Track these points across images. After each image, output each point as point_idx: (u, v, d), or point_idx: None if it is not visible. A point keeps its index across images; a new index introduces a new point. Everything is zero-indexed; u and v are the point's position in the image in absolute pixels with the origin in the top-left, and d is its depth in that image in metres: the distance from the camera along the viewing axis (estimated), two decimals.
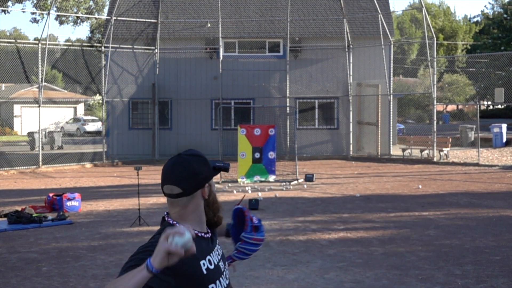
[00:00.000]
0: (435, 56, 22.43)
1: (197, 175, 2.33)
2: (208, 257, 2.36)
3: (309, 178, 16.67)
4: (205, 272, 2.30)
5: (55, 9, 35.14)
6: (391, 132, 23.63)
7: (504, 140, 26.19)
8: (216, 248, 2.47)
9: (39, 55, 20.87)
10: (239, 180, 16.44)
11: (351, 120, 23.97)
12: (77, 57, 24.25)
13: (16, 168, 20.67)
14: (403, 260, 8.02)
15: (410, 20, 60.83)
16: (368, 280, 7.13)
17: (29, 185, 16.87)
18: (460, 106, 55.00)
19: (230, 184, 16.08)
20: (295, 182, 16.42)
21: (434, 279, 7.12)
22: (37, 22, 37.58)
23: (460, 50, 59.22)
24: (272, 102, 24.07)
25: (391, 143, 23.43)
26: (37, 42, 21.35)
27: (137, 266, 2.07)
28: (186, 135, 24.28)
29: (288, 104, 23.82)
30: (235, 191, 14.74)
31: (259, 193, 14.31)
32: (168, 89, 24.27)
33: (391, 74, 24.01)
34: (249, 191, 14.73)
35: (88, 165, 22.35)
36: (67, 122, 46.09)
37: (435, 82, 22.29)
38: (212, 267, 2.35)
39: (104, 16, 33.76)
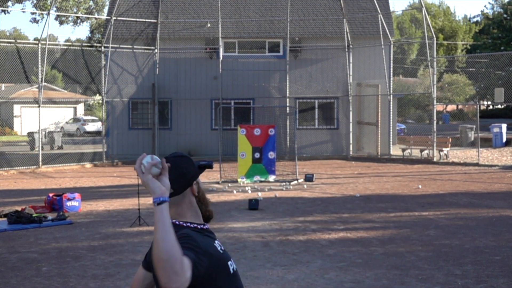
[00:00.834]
0: (435, 56, 22.43)
1: (185, 174, 2.51)
2: (216, 241, 2.58)
3: (309, 178, 16.67)
4: (221, 252, 2.53)
5: (55, 9, 35.14)
6: (391, 132, 23.63)
7: (504, 140, 26.19)
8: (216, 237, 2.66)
9: (39, 55, 20.87)
10: (239, 180, 16.44)
11: (351, 120, 23.97)
12: (77, 57, 24.25)
13: (16, 168, 20.67)
14: (403, 260, 8.02)
15: (410, 20, 60.83)
16: (368, 280, 7.13)
17: (29, 185, 16.87)
18: (460, 106, 55.00)
19: (230, 184, 16.08)
20: (295, 182, 16.42)
21: (434, 279, 7.12)
22: (37, 22, 37.57)
23: (460, 50, 59.23)
24: (272, 102, 24.08)
25: (391, 143, 23.43)
26: (37, 42, 21.35)
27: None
28: (186, 135, 24.28)
29: (288, 104, 23.82)
30: (235, 191, 14.73)
31: (259, 193, 14.31)
32: (168, 89, 24.27)
33: (391, 74, 24.01)
34: (249, 191, 14.73)
35: (88, 165, 22.35)
36: (67, 122, 46.09)
37: (435, 82, 22.30)
38: (223, 248, 2.58)
39: (104, 16, 33.76)
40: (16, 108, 46.31)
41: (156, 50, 24.17)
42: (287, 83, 24.13)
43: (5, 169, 20.34)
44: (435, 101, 22.19)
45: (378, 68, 23.71)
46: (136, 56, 24.27)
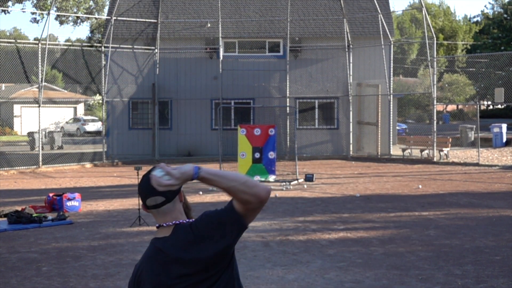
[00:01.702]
0: (435, 56, 22.43)
1: None
2: None
3: (309, 178, 16.67)
4: None
5: (55, 9, 35.15)
6: (391, 132, 23.63)
7: (504, 140, 26.19)
8: None
9: (39, 55, 20.87)
10: None
11: (351, 120, 23.97)
12: (77, 57, 24.26)
13: (16, 168, 20.67)
14: (403, 260, 8.02)
15: (410, 20, 60.81)
16: (368, 280, 7.13)
17: (29, 185, 16.87)
18: (460, 106, 55.00)
19: None
20: (295, 182, 16.42)
21: (434, 279, 7.12)
22: (37, 22, 37.59)
23: (460, 50, 59.21)
24: (272, 102, 24.07)
25: (391, 143, 23.43)
26: (37, 42, 21.35)
27: None
28: (186, 135, 24.29)
29: (288, 104, 23.82)
30: None
31: None
32: (168, 89, 24.27)
33: (391, 74, 24.01)
34: None
35: (88, 165, 22.35)
36: (67, 122, 46.09)
37: (435, 82, 22.29)
38: None
39: (104, 16, 33.75)
40: (16, 108, 46.31)
41: (156, 50, 24.17)
42: (287, 83, 24.12)
43: (5, 169, 20.34)
44: (435, 101, 22.19)
45: (378, 68, 23.71)
46: (136, 56, 24.27)
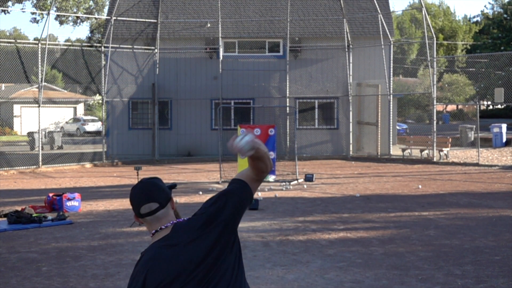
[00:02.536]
0: (435, 56, 22.43)
1: (164, 189, 2.76)
2: None
3: (309, 178, 16.67)
4: None
5: (55, 9, 35.15)
6: (391, 132, 23.63)
7: (504, 140, 26.19)
8: None
9: (39, 55, 20.87)
10: None
11: (351, 120, 23.97)
12: (77, 57, 24.25)
13: (16, 168, 20.67)
14: (403, 260, 8.02)
15: (410, 20, 60.83)
16: (368, 280, 7.13)
17: (29, 185, 16.87)
18: (460, 106, 55.00)
19: None
20: (295, 182, 16.42)
21: (434, 279, 7.12)
22: (37, 22, 37.63)
23: (460, 50, 59.22)
24: (272, 102, 24.08)
25: (391, 143, 23.43)
26: (37, 42, 21.35)
27: None
28: (186, 135, 24.29)
29: (288, 104, 23.82)
30: None
31: (259, 193, 14.31)
32: (168, 89, 24.27)
33: (391, 74, 24.01)
34: None
35: (88, 165, 22.35)
36: (67, 122, 46.08)
37: (435, 82, 22.30)
38: None
39: (104, 16, 33.76)
40: (16, 108, 46.31)
41: (156, 50, 24.17)
42: (287, 83, 24.13)
43: (5, 169, 20.34)
44: (435, 101, 22.19)
45: (378, 68, 23.71)
46: (136, 56, 24.27)
